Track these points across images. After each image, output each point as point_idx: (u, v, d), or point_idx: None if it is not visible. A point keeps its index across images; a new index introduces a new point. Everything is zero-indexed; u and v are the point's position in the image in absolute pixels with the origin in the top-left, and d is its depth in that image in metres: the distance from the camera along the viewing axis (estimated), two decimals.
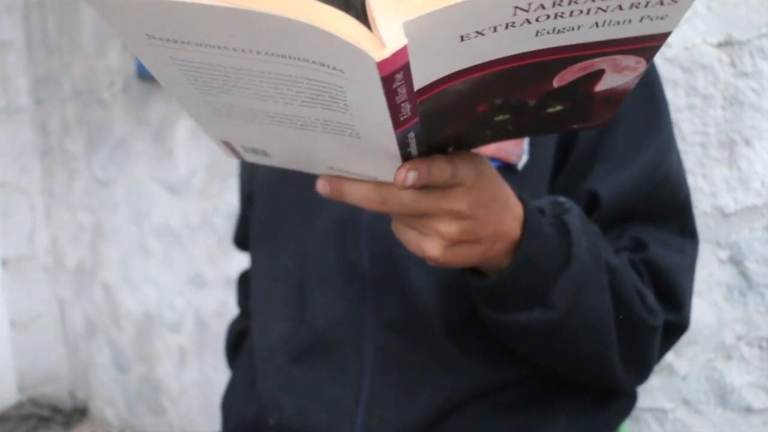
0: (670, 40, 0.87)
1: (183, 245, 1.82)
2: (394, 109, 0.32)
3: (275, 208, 0.70)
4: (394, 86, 0.30)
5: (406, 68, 0.30)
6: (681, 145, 0.87)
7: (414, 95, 0.32)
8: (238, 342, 0.82)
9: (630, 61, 0.35)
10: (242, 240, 0.85)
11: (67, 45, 2.10)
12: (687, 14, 0.85)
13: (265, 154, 0.45)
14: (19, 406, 2.29)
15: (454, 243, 0.44)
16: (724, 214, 0.86)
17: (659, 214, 0.61)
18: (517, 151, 0.58)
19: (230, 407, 0.74)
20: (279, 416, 0.64)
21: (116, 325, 2.14)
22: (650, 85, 0.63)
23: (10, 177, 2.28)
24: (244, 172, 0.81)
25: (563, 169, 0.61)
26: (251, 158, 0.47)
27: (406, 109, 0.33)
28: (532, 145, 0.59)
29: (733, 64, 0.82)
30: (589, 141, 0.61)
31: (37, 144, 2.34)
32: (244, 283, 0.86)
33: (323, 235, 0.64)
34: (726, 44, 0.83)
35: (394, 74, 0.29)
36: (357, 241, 0.62)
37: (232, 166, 1.60)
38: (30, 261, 2.35)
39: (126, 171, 1.97)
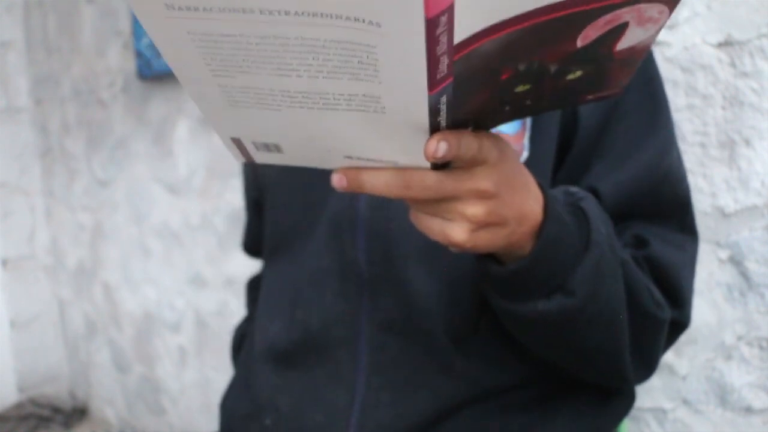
0: (670, 39, 0.87)
1: (183, 245, 1.82)
2: (432, 62, 0.31)
3: (283, 219, 0.70)
4: (437, 32, 0.29)
5: (450, 11, 0.28)
6: (681, 145, 0.87)
7: (453, 48, 0.31)
8: (241, 343, 0.82)
9: (653, 11, 0.34)
10: (250, 247, 0.85)
11: (67, 45, 2.10)
12: (687, 14, 0.85)
13: (277, 149, 0.43)
14: (19, 406, 2.29)
15: (480, 226, 0.42)
16: (724, 214, 0.86)
17: (660, 211, 0.61)
18: (518, 147, 0.58)
19: (227, 406, 0.74)
20: (275, 416, 0.64)
21: (116, 325, 2.14)
22: (650, 82, 0.62)
23: (10, 177, 2.28)
24: (248, 178, 0.81)
25: (563, 165, 0.61)
26: (262, 157, 0.44)
27: (444, 64, 0.31)
28: (532, 141, 0.59)
29: (733, 64, 0.82)
30: (590, 137, 0.60)
31: (37, 144, 2.34)
32: (252, 288, 0.86)
33: (320, 237, 0.64)
34: (726, 44, 0.83)
35: (439, 16, 0.28)
36: (354, 240, 0.61)
37: (232, 166, 1.60)
38: (30, 261, 2.35)
39: (126, 171, 1.97)
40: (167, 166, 1.81)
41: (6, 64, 2.27)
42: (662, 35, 0.88)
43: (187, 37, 0.32)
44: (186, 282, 1.83)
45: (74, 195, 2.22)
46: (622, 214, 0.60)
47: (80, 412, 2.36)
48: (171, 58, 0.35)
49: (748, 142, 0.83)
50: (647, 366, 0.60)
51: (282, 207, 0.70)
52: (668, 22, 0.87)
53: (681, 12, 0.86)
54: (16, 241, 2.31)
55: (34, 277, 2.36)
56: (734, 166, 0.84)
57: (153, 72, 1.71)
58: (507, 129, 0.57)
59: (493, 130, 0.44)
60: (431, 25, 0.28)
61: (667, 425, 0.94)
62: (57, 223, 2.34)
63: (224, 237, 1.67)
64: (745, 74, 0.82)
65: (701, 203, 0.87)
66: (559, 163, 0.61)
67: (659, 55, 0.88)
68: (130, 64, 1.84)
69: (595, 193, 0.59)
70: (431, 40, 0.29)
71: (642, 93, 0.61)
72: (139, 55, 1.75)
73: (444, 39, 0.30)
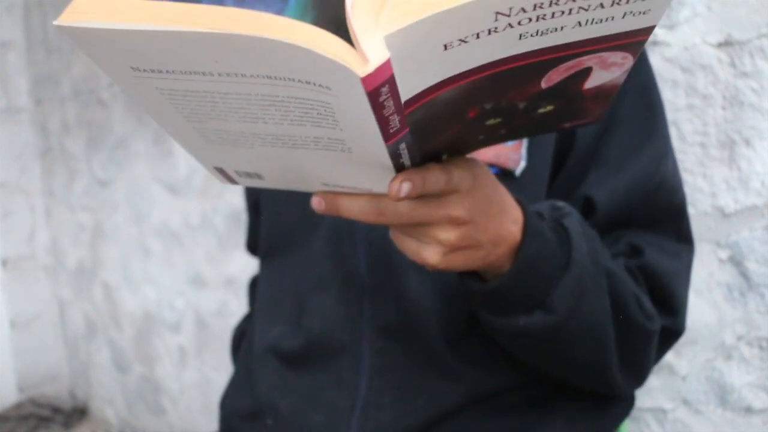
0: (670, 39, 0.87)
1: (183, 245, 1.82)
2: (382, 122, 0.32)
3: (280, 220, 0.70)
4: (381, 100, 0.30)
5: (391, 81, 0.30)
6: (681, 145, 0.87)
7: (402, 107, 0.32)
8: (241, 342, 0.83)
9: (616, 57, 0.35)
10: (253, 247, 0.86)
11: (67, 45, 2.10)
12: (687, 14, 0.85)
13: (258, 176, 0.45)
14: (19, 406, 2.29)
15: (453, 249, 0.43)
16: (724, 214, 0.86)
17: (655, 220, 0.61)
18: (515, 157, 0.58)
19: (227, 404, 0.74)
20: (276, 417, 0.65)
21: (116, 325, 2.14)
22: (646, 90, 0.63)
23: (10, 177, 2.28)
24: None
25: (560, 173, 0.61)
26: (245, 182, 0.46)
27: (395, 121, 0.33)
28: (530, 152, 0.59)
29: (733, 64, 0.82)
30: (586, 146, 0.60)
31: (37, 144, 2.35)
32: (254, 287, 0.87)
33: (321, 244, 0.64)
34: (726, 44, 0.83)
35: (379, 88, 0.29)
36: (354, 248, 0.62)
37: None
38: (30, 261, 2.35)
39: (126, 171, 1.97)
40: (167, 166, 1.81)
41: (6, 64, 2.27)
42: (662, 35, 0.88)
43: (156, 91, 0.34)
44: (186, 282, 1.83)
45: (74, 195, 2.22)
46: (617, 222, 0.60)
47: (80, 412, 2.36)
48: (146, 107, 0.36)
49: (748, 142, 0.83)
50: (637, 375, 0.61)
51: (278, 209, 0.70)
52: (668, 22, 0.87)
53: (681, 12, 0.86)
54: (16, 241, 2.31)
55: (34, 277, 2.36)
56: (734, 166, 0.84)
57: None
58: None
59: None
60: (373, 95, 0.29)
61: (667, 425, 0.94)
62: (57, 223, 2.34)
63: (224, 237, 1.67)
64: (745, 74, 0.82)
65: (701, 203, 0.87)
66: (556, 172, 0.61)
67: (659, 55, 0.88)
68: None
69: (590, 201, 0.60)
70: (376, 106, 0.30)
71: (637, 101, 0.61)
72: None
73: (389, 103, 0.31)
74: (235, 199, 1.62)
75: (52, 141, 2.28)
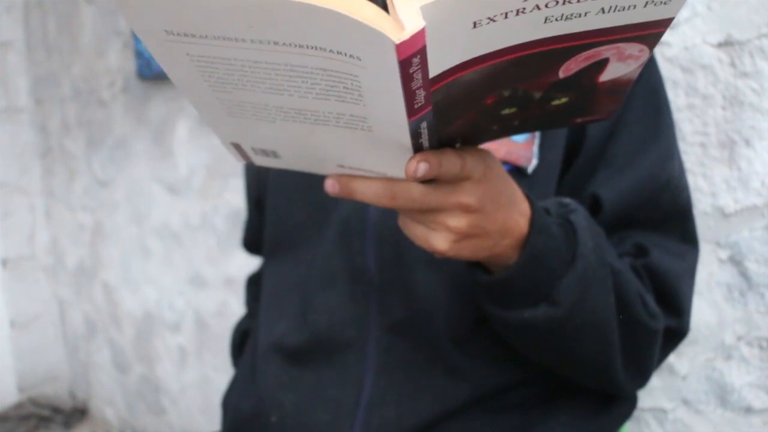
0: (670, 39, 0.87)
1: (183, 245, 1.82)
2: (408, 95, 0.32)
3: (287, 217, 0.70)
4: (411, 71, 0.31)
5: (423, 52, 0.30)
6: (681, 145, 0.87)
7: (428, 82, 0.33)
8: (242, 341, 0.82)
9: (633, 49, 0.36)
10: (251, 244, 0.85)
11: (67, 45, 2.10)
12: (687, 14, 0.85)
13: (275, 155, 0.45)
14: (19, 406, 2.29)
15: (462, 237, 0.44)
16: (724, 214, 0.86)
17: (660, 221, 0.62)
18: (527, 154, 0.59)
19: (229, 403, 0.75)
20: (280, 414, 0.65)
21: (116, 325, 2.14)
22: (654, 92, 0.63)
23: (10, 177, 2.28)
24: (251, 176, 0.81)
25: (569, 172, 0.62)
26: (261, 161, 0.47)
27: (420, 96, 0.33)
28: (541, 150, 0.60)
29: (733, 64, 0.82)
30: (595, 146, 0.61)
31: (37, 144, 2.34)
32: (253, 284, 0.86)
33: (329, 241, 0.64)
34: (726, 44, 0.83)
35: (411, 58, 0.30)
36: (363, 245, 0.62)
37: (233, 166, 1.60)
38: (30, 261, 2.35)
39: (126, 171, 1.97)
40: (167, 166, 1.81)
41: (6, 64, 2.27)
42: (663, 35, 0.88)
43: (186, 57, 0.34)
44: (186, 282, 1.83)
45: (74, 195, 2.22)
46: (623, 221, 0.61)
47: (80, 412, 2.36)
48: (172, 73, 0.37)
49: (748, 142, 0.83)
50: (641, 375, 0.61)
51: (285, 206, 0.70)
52: None
53: (681, 12, 0.86)
54: (16, 241, 2.31)
55: (34, 277, 2.36)
56: (734, 166, 0.84)
57: (153, 72, 1.72)
58: (516, 137, 0.58)
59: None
60: (404, 65, 0.30)
61: (667, 425, 0.94)
62: (57, 223, 2.34)
63: (224, 237, 1.67)
64: (745, 74, 0.82)
65: (701, 203, 0.87)
66: (565, 170, 0.62)
67: (659, 55, 0.88)
68: (130, 64, 1.84)
69: (597, 199, 0.60)
70: (405, 77, 0.31)
71: (646, 103, 0.62)
72: (139, 55, 1.75)
73: (418, 76, 0.32)
74: (235, 199, 1.62)
75: (52, 141, 2.28)
